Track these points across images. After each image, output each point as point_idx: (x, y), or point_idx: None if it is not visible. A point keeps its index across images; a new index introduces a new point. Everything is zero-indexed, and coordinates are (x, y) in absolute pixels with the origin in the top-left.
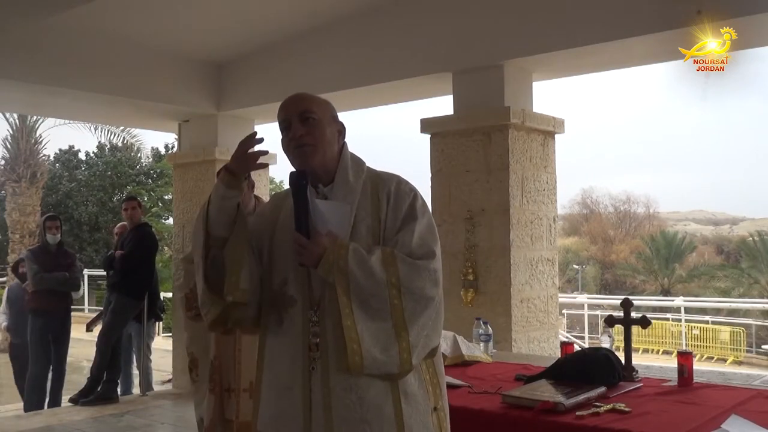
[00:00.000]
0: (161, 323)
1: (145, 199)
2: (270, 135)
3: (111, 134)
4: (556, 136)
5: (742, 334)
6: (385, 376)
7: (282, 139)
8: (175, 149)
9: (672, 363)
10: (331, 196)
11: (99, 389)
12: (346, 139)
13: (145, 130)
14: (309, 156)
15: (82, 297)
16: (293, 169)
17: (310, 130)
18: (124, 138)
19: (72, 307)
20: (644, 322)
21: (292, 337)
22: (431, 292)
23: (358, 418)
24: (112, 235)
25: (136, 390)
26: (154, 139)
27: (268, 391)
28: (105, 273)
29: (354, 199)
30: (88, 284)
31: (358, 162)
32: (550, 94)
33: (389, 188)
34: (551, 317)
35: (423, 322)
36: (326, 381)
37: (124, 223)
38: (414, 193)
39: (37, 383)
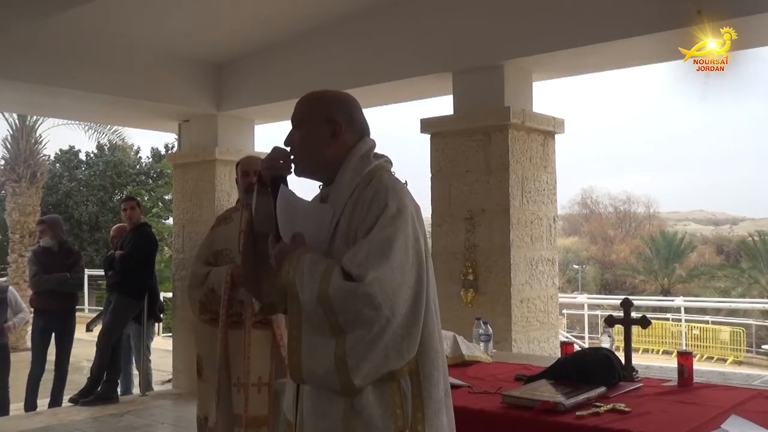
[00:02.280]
0: (161, 324)
1: (145, 199)
2: (271, 134)
3: (103, 134)
4: (556, 136)
5: (742, 334)
6: (333, 391)
7: None
8: (175, 149)
9: (672, 363)
10: (329, 198)
11: (99, 389)
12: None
13: (138, 131)
14: (295, 168)
15: (82, 297)
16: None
17: (294, 141)
18: (113, 140)
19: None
20: (644, 322)
21: None
22: (369, 314)
23: (309, 424)
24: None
25: (136, 390)
26: (154, 140)
27: (287, 376)
28: (105, 273)
29: (339, 203)
30: (88, 284)
31: (362, 162)
32: (550, 94)
33: (366, 196)
34: (551, 317)
35: (365, 345)
36: None
37: (120, 225)
38: (386, 205)
39: (35, 383)
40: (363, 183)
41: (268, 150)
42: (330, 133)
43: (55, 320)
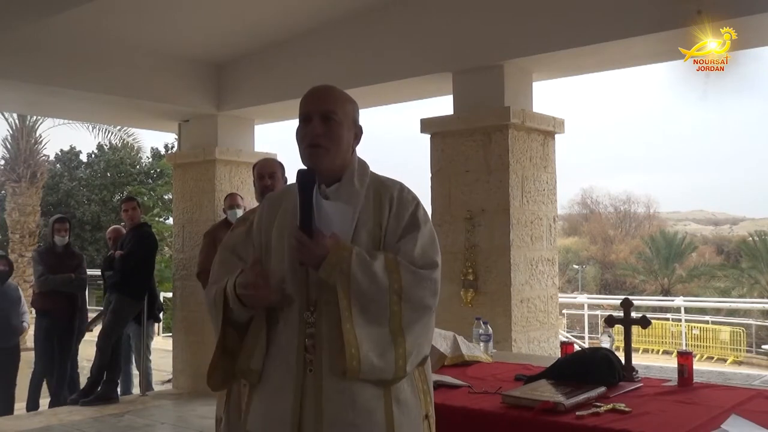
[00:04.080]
0: (161, 324)
1: (145, 198)
2: (269, 134)
3: (109, 133)
4: (556, 136)
5: (742, 334)
6: (378, 382)
7: (298, 129)
8: (175, 149)
9: (672, 363)
10: (334, 198)
11: (99, 389)
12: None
13: (143, 130)
14: (320, 157)
15: (83, 296)
16: (301, 167)
17: (328, 133)
18: (121, 138)
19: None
20: (644, 322)
21: (287, 336)
22: (430, 301)
23: (348, 422)
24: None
25: (136, 390)
26: (154, 139)
27: (260, 390)
28: (101, 273)
29: (358, 202)
30: (89, 284)
31: (363, 166)
32: (550, 94)
33: (392, 194)
34: (551, 317)
35: (419, 330)
36: (319, 382)
37: (116, 226)
38: (416, 202)
39: (38, 382)
40: (374, 184)
41: (268, 150)
42: (354, 136)
43: (57, 321)
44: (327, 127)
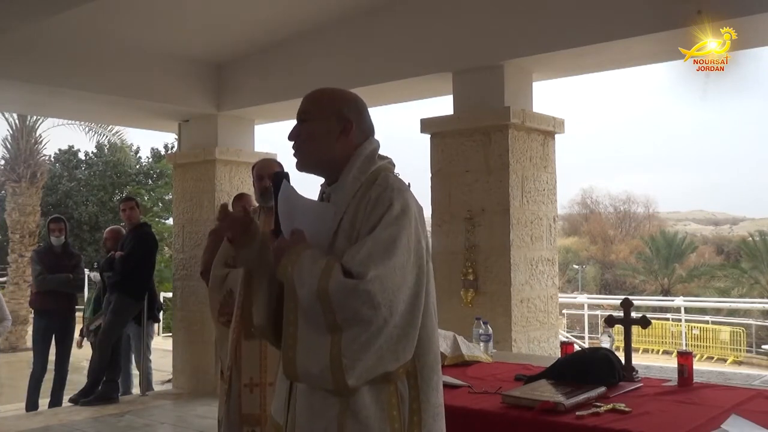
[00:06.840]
0: (161, 324)
1: (145, 199)
2: (269, 134)
3: (101, 135)
4: (556, 136)
5: (742, 334)
6: (329, 390)
7: None
8: (175, 149)
9: (672, 363)
10: (333, 197)
11: (99, 389)
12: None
13: (138, 131)
14: (296, 159)
15: (81, 297)
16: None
17: (300, 133)
18: (113, 140)
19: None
20: (644, 322)
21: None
22: (367, 314)
23: (305, 424)
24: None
25: (136, 390)
26: (154, 139)
27: (278, 378)
28: (100, 274)
29: (343, 201)
30: (88, 284)
31: (367, 162)
32: (550, 94)
33: (371, 194)
34: (551, 317)
35: (364, 344)
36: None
37: (114, 227)
38: (390, 204)
39: (37, 382)
40: (367, 182)
41: (269, 150)
42: (340, 129)
43: (55, 320)
44: (300, 128)
